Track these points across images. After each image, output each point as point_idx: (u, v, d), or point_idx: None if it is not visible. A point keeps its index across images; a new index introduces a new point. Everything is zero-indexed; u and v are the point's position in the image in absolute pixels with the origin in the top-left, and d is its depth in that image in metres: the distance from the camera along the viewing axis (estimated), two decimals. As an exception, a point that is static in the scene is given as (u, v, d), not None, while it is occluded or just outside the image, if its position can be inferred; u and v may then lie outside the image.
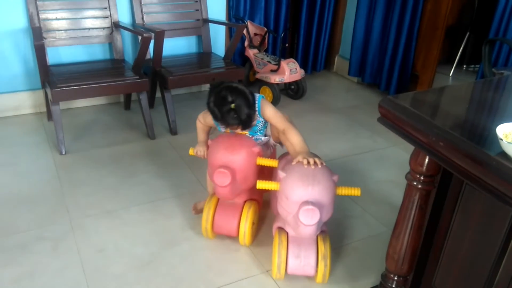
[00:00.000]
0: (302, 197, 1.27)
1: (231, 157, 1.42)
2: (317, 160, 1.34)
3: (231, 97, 1.33)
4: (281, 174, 1.34)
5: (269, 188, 1.37)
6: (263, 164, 1.47)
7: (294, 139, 1.45)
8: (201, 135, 1.62)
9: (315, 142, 2.36)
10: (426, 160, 1.03)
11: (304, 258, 1.36)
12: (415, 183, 1.08)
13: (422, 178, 1.06)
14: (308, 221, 1.24)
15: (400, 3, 2.79)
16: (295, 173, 1.32)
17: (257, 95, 1.49)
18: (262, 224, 1.68)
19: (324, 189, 1.29)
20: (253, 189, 1.53)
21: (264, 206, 1.76)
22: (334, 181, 1.34)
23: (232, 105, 1.33)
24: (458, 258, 1.11)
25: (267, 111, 1.48)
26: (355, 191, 1.36)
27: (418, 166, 1.05)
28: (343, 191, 1.36)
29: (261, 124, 1.55)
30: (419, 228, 1.14)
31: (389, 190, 1.96)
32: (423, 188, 1.08)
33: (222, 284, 1.40)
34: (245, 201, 1.55)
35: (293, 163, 1.36)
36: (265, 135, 1.62)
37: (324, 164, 1.35)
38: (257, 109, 1.47)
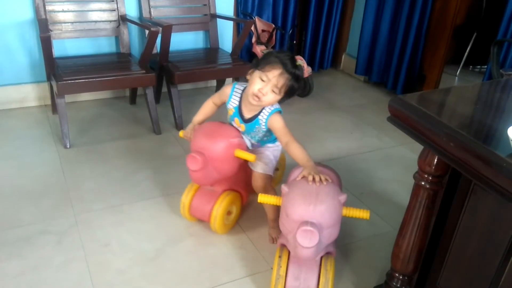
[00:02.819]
0: (302, 217, 1.17)
1: (206, 144, 1.44)
2: (322, 177, 1.26)
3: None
4: (283, 189, 1.26)
5: (271, 203, 1.31)
6: (240, 157, 1.47)
7: (297, 154, 1.40)
8: (199, 115, 1.60)
9: (321, 140, 2.35)
10: (435, 160, 1.02)
11: (303, 281, 1.28)
12: (423, 183, 1.07)
13: (430, 178, 1.05)
14: (305, 242, 1.14)
15: (409, 2, 2.76)
16: (297, 189, 1.23)
17: (272, 107, 1.45)
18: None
19: (328, 209, 1.19)
20: (234, 180, 1.56)
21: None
22: (340, 202, 1.23)
23: (299, 62, 1.40)
24: (464, 258, 1.11)
25: (275, 122, 1.44)
26: (364, 214, 1.25)
27: (426, 166, 1.04)
28: (351, 212, 1.25)
29: (262, 133, 1.51)
30: (425, 227, 1.13)
31: (395, 190, 1.95)
32: (431, 188, 1.07)
33: (227, 280, 1.40)
34: (224, 190, 1.57)
35: (298, 178, 1.29)
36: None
37: (330, 181, 1.28)
38: (266, 118, 1.44)
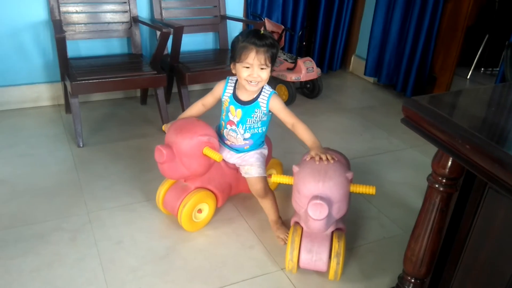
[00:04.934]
0: (313, 192, 1.29)
1: (175, 138, 1.47)
2: (329, 156, 1.35)
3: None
4: (295, 168, 1.36)
5: (284, 182, 1.39)
6: (208, 155, 1.48)
7: (303, 135, 1.47)
8: (185, 114, 1.63)
9: (330, 142, 2.33)
10: (449, 162, 1.02)
11: (316, 253, 1.38)
12: (436, 186, 1.06)
13: (444, 180, 1.05)
14: (316, 215, 1.26)
15: (420, 3, 2.75)
16: (307, 168, 1.34)
17: (270, 88, 1.51)
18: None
19: (336, 185, 1.29)
20: (208, 179, 1.57)
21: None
22: (348, 178, 1.34)
23: (262, 31, 1.42)
24: (477, 263, 1.10)
25: (276, 103, 1.49)
26: (370, 190, 1.35)
27: (440, 169, 1.04)
28: (357, 188, 1.35)
29: (260, 118, 1.52)
30: (439, 231, 1.12)
31: (405, 192, 1.94)
32: (444, 191, 1.06)
33: (237, 280, 1.41)
34: (197, 188, 1.57)
35: (307, 158, 1.38)
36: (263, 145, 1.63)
37: (337, 159, 1.35)
38: (266, 99, 1.48)
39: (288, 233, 1.56)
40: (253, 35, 1.40)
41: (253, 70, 1.40)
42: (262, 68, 1.41)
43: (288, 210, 1.75)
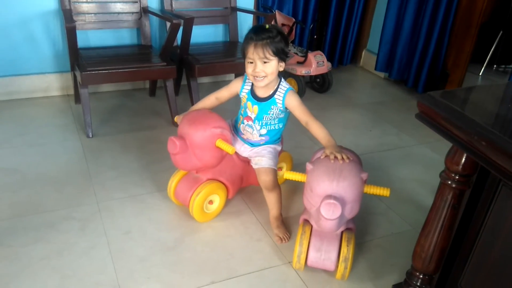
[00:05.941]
0: (326, 191, 1.27)
1: (188, 130, 1.47)
2: (344, 155, 1.32)
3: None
4: (308, 166, 1.34)
5: (297, 179, 1.37)
6: (220, 148, 1.48)
7: (318, 133, 1.45)
8: (197, 106, 1.63)
9: (340, 137, 2.31)
10: (463, 159, 1.00)
11: (325, 252, 1.36)
12: (449, 182, 1.05)
13: (457, 177, 1.04)
14: (329, 215, 1.24)
15: (434, -2, 2.71)
16: (322, 166, 1.32)
17: (287, 85, 1.49)
18: (284, 219, 1.68)
19: (350, 185, 1.27)
20: (220, 171, 1.58)
21: (288, 202, 1.76)
22: (362, 179, 1.31)
23: (267, 26, 1.41)
24: (487, 260, 1.09)
25: (292, 100, 1.48)
26: (384, 191, 1.32)
27: (454, 165, 1.03)
28: (372, 190, 1.33)
29: (276, 115, 1.51)
30: (449, 227, 1.12)
31: (414, 189, 1.93)
32: (457, 188, 1.05)
33: (244, 272, 1.42)
34: (208, 179, 1.57)
35: (321, 157, 1.36)
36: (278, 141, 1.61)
37: (352, 159, 1.34)
38: (282, 96, 1.47)
39: (287, 233, 1.56)
40: (252, 30, 1.40)
41: (255, 65, 1.40)
42: (265, 62, 1.39)
43: (291, 207, 1.75)
